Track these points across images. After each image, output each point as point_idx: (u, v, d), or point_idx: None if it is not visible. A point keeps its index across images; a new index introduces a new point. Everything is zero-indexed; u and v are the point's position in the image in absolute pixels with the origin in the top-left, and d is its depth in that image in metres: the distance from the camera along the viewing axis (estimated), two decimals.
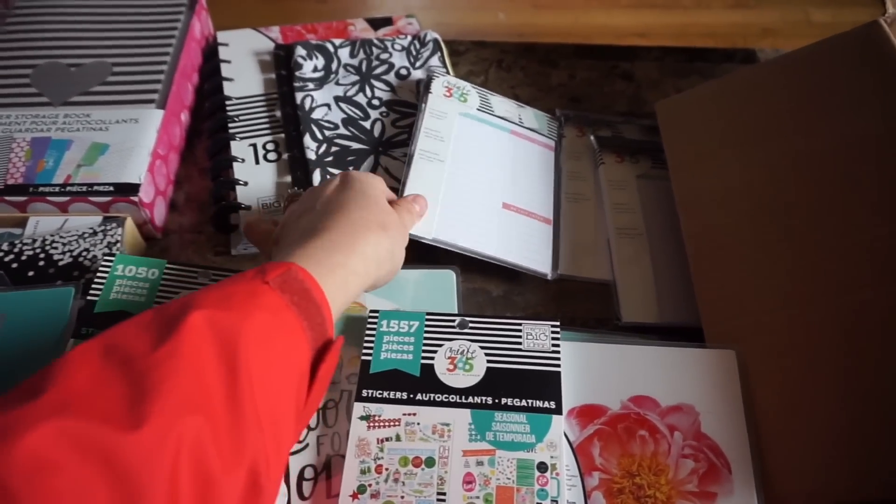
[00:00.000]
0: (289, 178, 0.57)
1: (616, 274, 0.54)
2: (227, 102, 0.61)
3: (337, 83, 0.62)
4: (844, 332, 0.41)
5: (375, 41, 0.64)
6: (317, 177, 0.56)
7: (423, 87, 0.58)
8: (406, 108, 0.61)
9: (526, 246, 0.54)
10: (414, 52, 0.64)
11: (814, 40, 0.50)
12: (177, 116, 0.61)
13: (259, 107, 0.62)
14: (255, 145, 0.59)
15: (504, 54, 0.72)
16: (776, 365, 0.43)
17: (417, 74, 0.63)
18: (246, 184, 0.56)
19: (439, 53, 0.64)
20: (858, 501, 0.38)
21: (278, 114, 0.60)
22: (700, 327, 0.48)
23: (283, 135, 0.59)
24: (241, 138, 0.59)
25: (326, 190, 0.45)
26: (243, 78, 0.63)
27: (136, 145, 0.55)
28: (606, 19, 0.82)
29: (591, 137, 0.62)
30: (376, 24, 0.69)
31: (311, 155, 0.57)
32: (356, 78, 0.62)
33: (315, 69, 0.62)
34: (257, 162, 0.58)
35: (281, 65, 0.63)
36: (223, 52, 0.65)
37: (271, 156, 0.58)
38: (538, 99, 0.69)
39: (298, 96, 0.60)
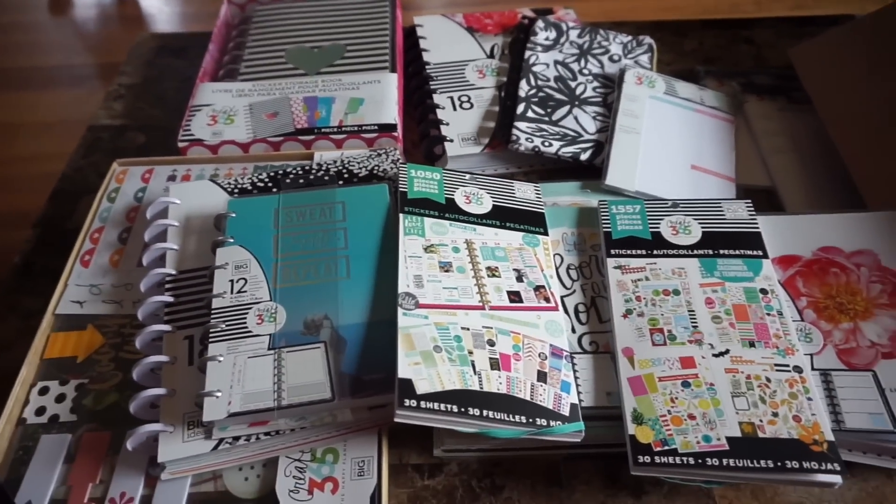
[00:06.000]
0: (480, 119, 0.71)
1: (774, 179, 0.67)
2: (427, 66, 0.77)
3: (560, 51, 0.78)
4: None
5: (601, 31, 0.80)
6: (521, 108, 0.71)
7: (617, 78, 0.73)
8: (607, 80, 0.75)
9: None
10: (630, 48, 0.79)
11: None
12: (400, 79, 0.76)
13: (452, 69, 0.77)
14: (451, 97, 0.74)
15: (640, 29, 0.87)
16: None
17: (626, 62, 0.77)
18: (447, 124, 0.71)
19: (650, 54, 0.79)
20: None
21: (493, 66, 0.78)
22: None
23: (473, 92, 0.75)
24: (441, 92, 0.74)
25: None
26: (436, 50, 0.79)
27: (384, 98, 0.71)
28: None
29: (734, 83, 0.76)
30: (540, 12, 0.85)
31: (522, 94, 0.72)
32: (577, 52, 0.78)
33: (546, 38, 0.78)
34: (454, 109, 0.73)
35: (523, 30, 0.80)
36: (419, 31, 0.81)
37: (465, 105, 0.73)
38: (676, 62, 0.83)
39: (527, 53, 0.76)
